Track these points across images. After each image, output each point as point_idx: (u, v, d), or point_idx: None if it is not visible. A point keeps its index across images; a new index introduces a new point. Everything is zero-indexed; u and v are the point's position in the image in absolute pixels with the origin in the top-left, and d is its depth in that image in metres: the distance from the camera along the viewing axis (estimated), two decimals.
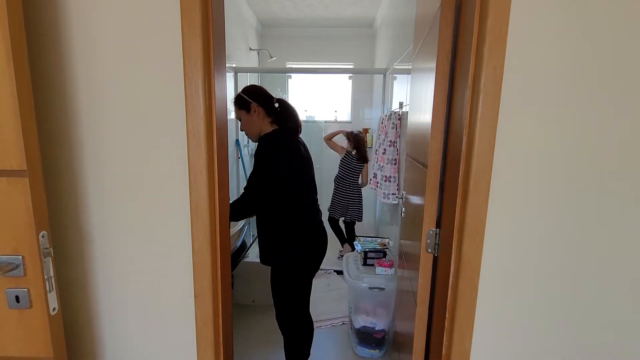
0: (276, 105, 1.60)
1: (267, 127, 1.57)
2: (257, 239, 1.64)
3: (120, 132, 0.91)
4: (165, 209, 0.94)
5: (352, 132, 3.32)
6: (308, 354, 1.77)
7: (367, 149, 3.39)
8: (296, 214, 1.55)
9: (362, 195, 3.40)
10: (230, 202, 1.55)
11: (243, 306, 2.57)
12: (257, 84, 3.99)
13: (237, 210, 1.51)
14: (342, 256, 3.43)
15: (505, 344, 0.94)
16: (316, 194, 1.69)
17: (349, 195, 3.34)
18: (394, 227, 2.35)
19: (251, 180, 1.49)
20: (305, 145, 1.67)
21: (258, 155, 1.47)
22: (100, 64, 0.89)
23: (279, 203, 1.51)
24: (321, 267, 3.24)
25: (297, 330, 1.70)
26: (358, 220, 3.41)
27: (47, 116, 0.91)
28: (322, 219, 1.74)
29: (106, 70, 0.89)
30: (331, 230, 3.39)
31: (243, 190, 1.52)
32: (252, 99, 1.55)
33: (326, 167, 3.82)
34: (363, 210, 3.49)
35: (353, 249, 3.35)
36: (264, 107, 1.56)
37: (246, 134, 1.62)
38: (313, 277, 1.69)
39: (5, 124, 0.73)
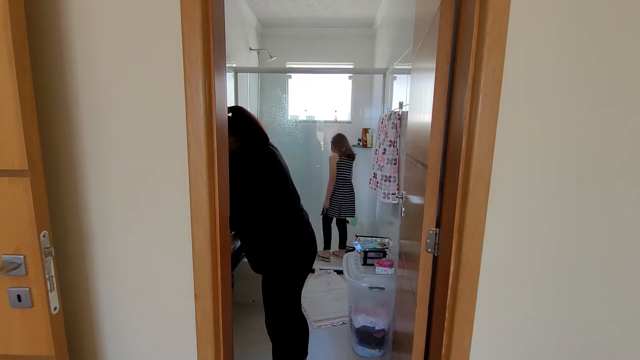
0: (229, 115, 1.53)
1: (232, 146, 1.50)
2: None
3: (121, 132, 0.92)
4: (166, 209, 0.95)
5: (333, 138, 3.45)
6: (306, 353, 1.77)
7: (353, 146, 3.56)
8: (283, 218, 1.56)
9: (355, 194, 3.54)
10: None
11: (243, 306, 2.57)
12: (257, 83, 4.05)
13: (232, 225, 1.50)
14: (322, 258, 3.52)
15: (505, 343, 0.94)
16: (297, 194, 1.69)
17: (346, 194, 3.44)
18: (394, 227, 2.36)
19: (237, 201, 1.46)
20: (277, 149, 1.66)
21: (242, 175, 1.44)
22: (100, 64, 0.89)
23: (268, 212, 1.52)
24: (321, 266, 3.29)
25: (290, 334, 1.69)
26: (351, 216, 3.54)
27: (48, 116, 0.91)
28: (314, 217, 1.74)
29: (106, 70, 0.89)
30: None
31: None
32: None
33: (326, 167, 3.82)
34: (362, 209, 3.50)
35: (344, 247, 3.55)
36: None
37: None
38: (306, 277, 1.68)
39: (6, 124, 0.74)
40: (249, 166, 1.48)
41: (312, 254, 1.65)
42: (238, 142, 1.53)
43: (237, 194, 1.47)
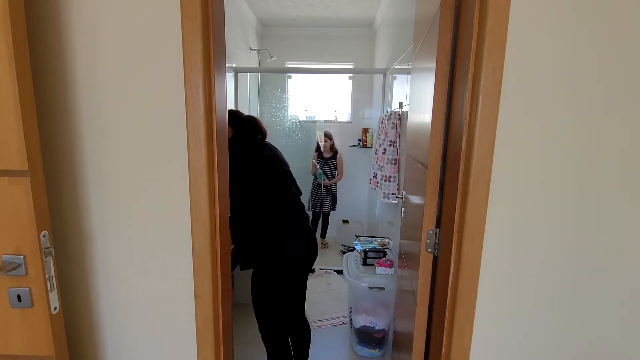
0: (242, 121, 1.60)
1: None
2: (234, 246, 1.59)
3: (121, 132, 0.92)
4: (166, 209, 0.95)
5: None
6: (307, 356, 1.76)
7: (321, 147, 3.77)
8: (271, 216, 1.53)
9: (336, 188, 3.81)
10: None
11: (243, 306, 2.57)
12: (257, 83, 4.05)
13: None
14: None
15: (505, 343, 0.94)
16: (298, 192, 1.67)
17: (321, 189, 3.70)
18: (394, 227, 2.36)
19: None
20: (274, 148, 1.66)
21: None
22: (100, 65, 0.89)
23: (254, 206, 1.50)
24: (322, 266, 3.30)
25: (281, 340, 1.63)
26: (333, 210, 3.82)
27: (48, 116, 0.91)
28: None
29: (106, 70, 0.89)
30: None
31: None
32: None
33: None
34: (362, 209, 3.51)
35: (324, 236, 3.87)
36: (234, 126, 1.56)
37: None
38: (297, 281, 1.62)
39: (6, 124, 0.74)
40: (236, 155, 1.47)
41: (302, 256, 1.59)
42: (232, 132, 1.55)
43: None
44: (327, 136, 3.64)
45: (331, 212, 3.83)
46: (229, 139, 1.55)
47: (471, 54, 0.82)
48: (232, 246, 2.14)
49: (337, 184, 3.77)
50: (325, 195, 3.71)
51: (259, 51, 3.99)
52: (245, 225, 1.53)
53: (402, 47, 2.40)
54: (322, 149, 3.65)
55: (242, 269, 1.59)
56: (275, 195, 1.55)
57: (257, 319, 1.61)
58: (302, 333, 1.72)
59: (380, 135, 2.61)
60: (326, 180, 3.66)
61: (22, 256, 0.79)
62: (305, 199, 3.57)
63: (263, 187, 1.52)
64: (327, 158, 3.66)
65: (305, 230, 1.62)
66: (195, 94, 0.87)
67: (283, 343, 1.65)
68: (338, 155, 3.68)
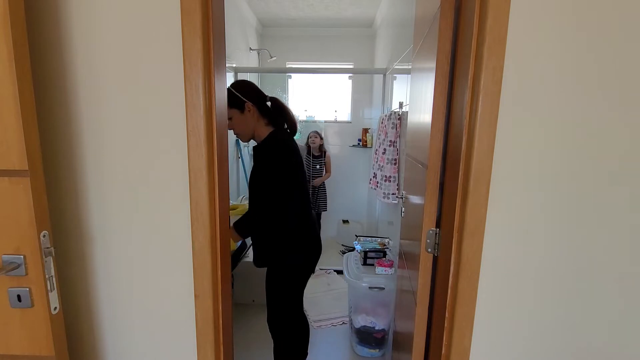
0: (268, 104, 1.53)
1: (263, 128, 1.51)
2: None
3: (121, 132, 0.92)
4: (166, 208, 0.95)
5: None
6: (306, 354, 1.77)
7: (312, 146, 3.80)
8: (297, 213, 1.56)
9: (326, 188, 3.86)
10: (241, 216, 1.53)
11: (243, 306, 2.57)
12: (257, 83, 4.03)
13: (250, 227, 1.52)
14: None
15: (505, 343, 0.94)
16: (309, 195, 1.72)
17: (314, 189, 3.73)
18: (394, 227, 2.36)
19: (269, 191, 1.44)
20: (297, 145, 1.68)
21: (269, 161, 1.42)
22: (100, 65, 0.89)
23: (286, 202, 1.50)
24: (322, 266, 3.30)
25: (292, 332, 1.70)
26: (323, 211, 3.81)
27: (48, 116, 0.91)
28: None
29: (106, 71, 0.89)
30: None
31: (259, 203, 1.48)
32: (246, 97, 1.46)
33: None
34: (362, 209, 3.51)
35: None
36: (258, 106, 1.49)
37: (236, 134, 1.53)
38: (309, 278, 1.69)
39: (7, 124, 0.74)
40: (278, 154, 1.45)
41: (318, 253, 1.66)
42: (269, 125, 1.52)
43: (258, 180, 1.46)
44: (318, 135, 3.70)
45: (322, 212, 3.81)
46: (272, 132, 1.48)
47: (471, 54, 0.82)
48: (237, 246, 2.15)
49: (330, 184, 3.79)
50: (314, 195, 3.73)
51: (259, 51, 3.98)
52: (266, 223, 1.53)
53: (402, 47, 2.40)
54: (311, 145, 3.72)
55: (257, 265, 1.63)
56: (301, 192, 1.57)
57: (269, 313, 1.66)
58: (302, 328, 1.74)
59: (380, 135, 2.61)
60: (316, 180, 3.69)
61: (22, 256, 0.79)
62: None
63: (292, 187, 1.51)
64: (316, 156, 3.72)
65: (317, 227, 1.67)
66: (195, 93, 0.87)
67: (292, 337, 1.70)
68: (327, 154, 3.74)
